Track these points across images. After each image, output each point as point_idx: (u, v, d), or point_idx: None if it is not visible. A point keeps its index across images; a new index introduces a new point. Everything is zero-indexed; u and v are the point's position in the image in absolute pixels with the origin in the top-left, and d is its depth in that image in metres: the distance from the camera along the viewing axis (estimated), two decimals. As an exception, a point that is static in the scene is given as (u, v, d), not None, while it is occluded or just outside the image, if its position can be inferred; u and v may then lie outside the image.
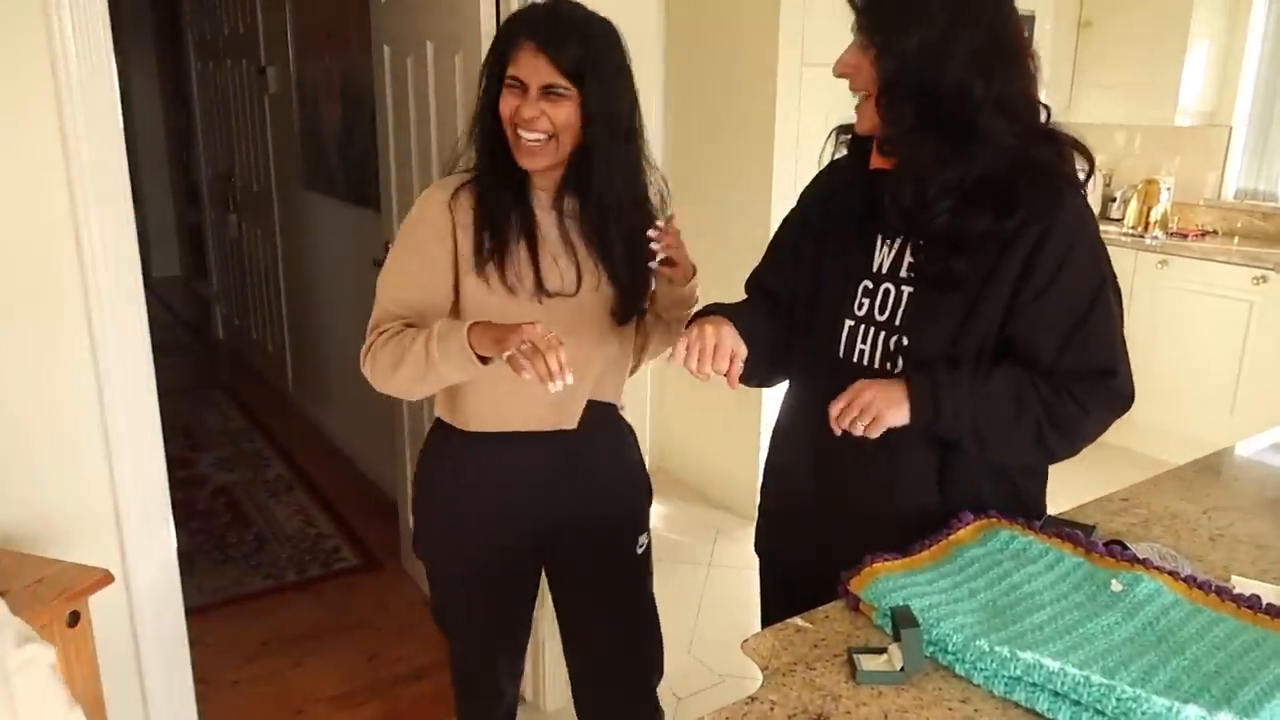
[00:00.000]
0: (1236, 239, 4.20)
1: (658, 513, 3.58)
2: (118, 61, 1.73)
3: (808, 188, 1.52)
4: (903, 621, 1.02)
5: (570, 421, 1.57)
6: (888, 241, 1.33)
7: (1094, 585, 1.16)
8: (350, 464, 4.00)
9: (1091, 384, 1.25)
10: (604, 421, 1.63)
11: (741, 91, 3.32)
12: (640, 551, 1.71)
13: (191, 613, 2.06)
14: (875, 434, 1.23)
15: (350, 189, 3.65)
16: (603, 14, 1.47)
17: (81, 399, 1.77)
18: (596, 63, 1.41)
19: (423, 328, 1.44)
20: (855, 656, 1.04)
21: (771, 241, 1.54)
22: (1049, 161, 1.25)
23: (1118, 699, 0.91)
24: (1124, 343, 1.28)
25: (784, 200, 3.25)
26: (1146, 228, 4.27)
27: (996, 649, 1.00)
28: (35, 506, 1.74)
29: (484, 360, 1.36)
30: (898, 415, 1.23)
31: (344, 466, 3.99)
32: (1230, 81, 4.22)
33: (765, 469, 1.59)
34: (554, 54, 1.38)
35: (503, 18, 2.08)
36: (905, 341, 1.29)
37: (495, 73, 1.44)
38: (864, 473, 1.35)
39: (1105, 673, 0.96)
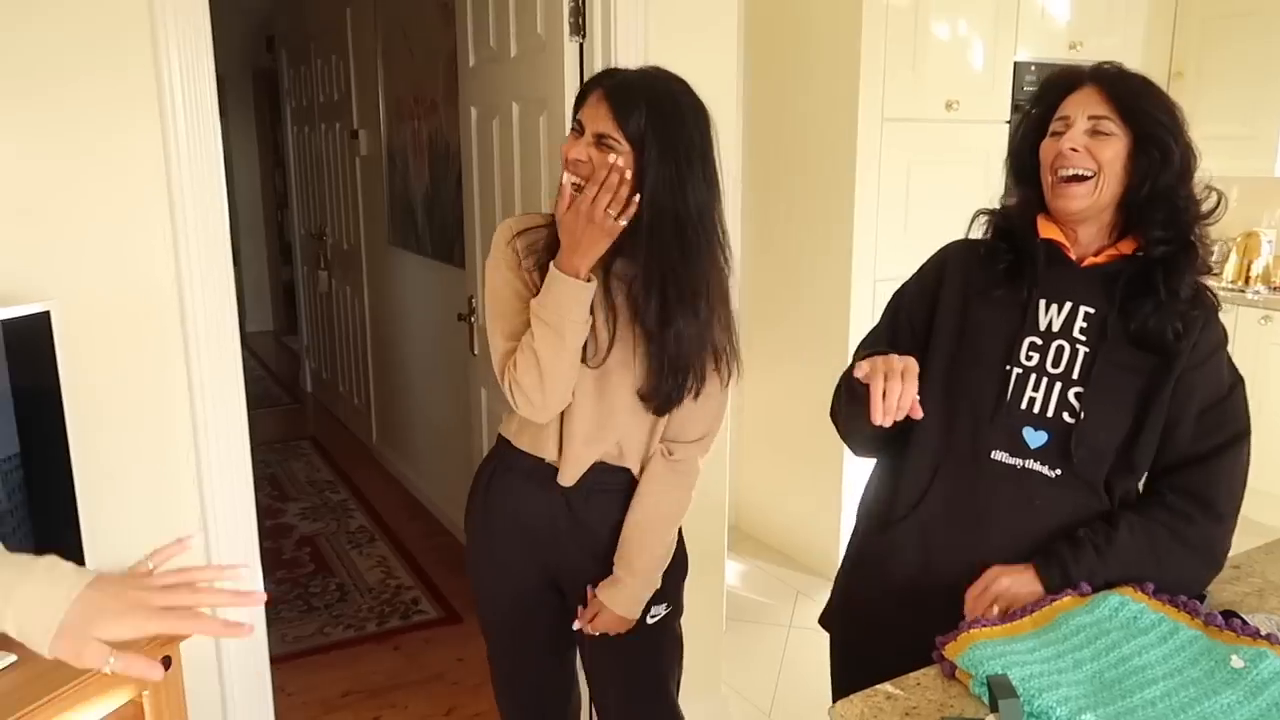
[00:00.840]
0: (1345, 294, 4.00)
1: (734, 572, 3.53)
2: (222, 129, 1.83)
3: (934, 264, 1.49)
4: (1000, 691, 0.97)
5: (568, 479, 1.56)
6: (1054, 304, 1.35)
7: (1212, 661, 1.09)
8: (431, 516, 4.05)
9: (1231, 452, 1.31)
10: (610, 484, 1.59)
11: (822, 146, 3.32)
12: (651, 621, 1.63)
13: (274, 661, 2.08)
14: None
15: (435, 245, 3.75)
16: (687, 77, 1.47)
17: (178, 444, 1.83)
18: (662, 131, 1.39)
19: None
20: None
21: (891, 314, 1.52)
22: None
23: (1242, 784, 0.85)
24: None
25: (864, 255, 3.23)
26: (1248, 282, 4.10)
27: (1105, 725, 0.95)
28: (131, 550, 1.79)
29: (585, 277, 1.42)
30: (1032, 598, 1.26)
31: (425, 519, 4.04)
32: (1267, 143, 4.06)
33: (859, 550, 1.55)
34: (616, 105, 1.39)
35: (586, 77, 2.13)
36: (1088, 393, 1.31)
37: (574, 116, 1.46)
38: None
39: (1226, 755, 0.90)
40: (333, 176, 5.08)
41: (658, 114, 1.40)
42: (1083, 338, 1.33)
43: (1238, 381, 1.35)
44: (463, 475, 3.37)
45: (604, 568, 1.60)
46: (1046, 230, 1.36)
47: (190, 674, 1.60)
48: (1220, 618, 1.17)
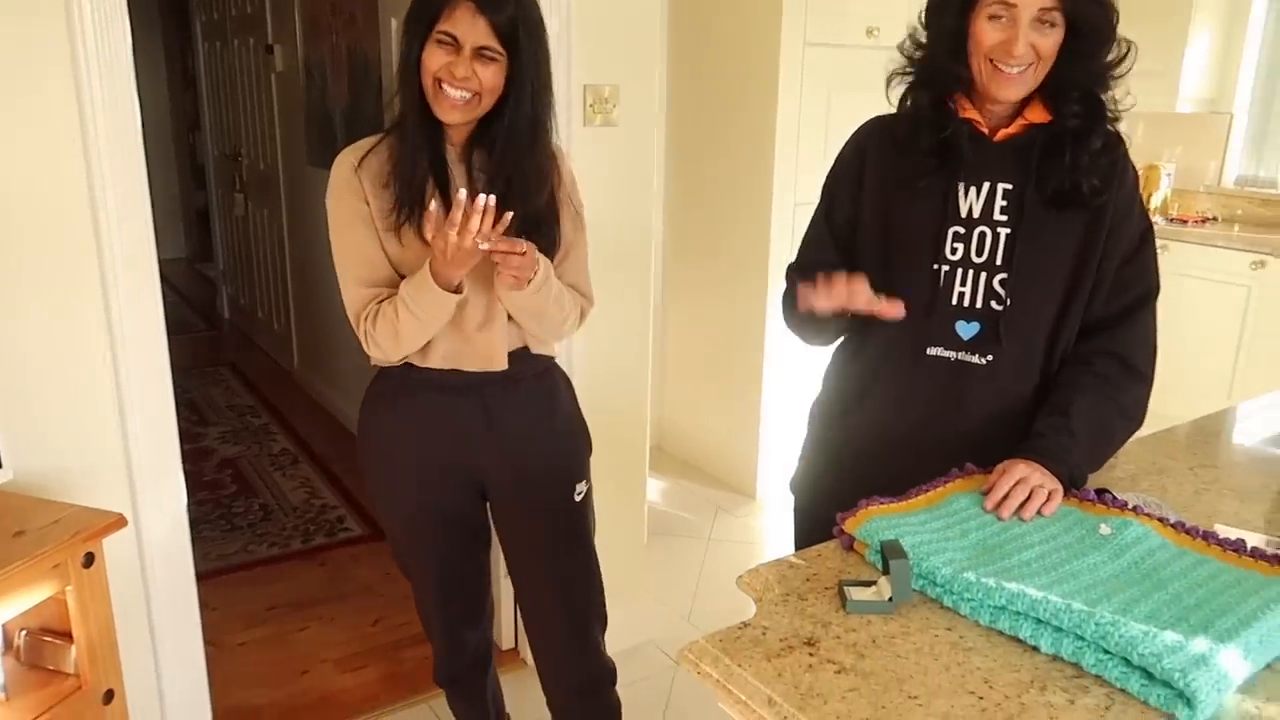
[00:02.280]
0: (1237, 226, 4.23)
1: (657, 489, 3.63)
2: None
3: (854, 145, 1.53)
4: (891, 553, 1.05)
5: (499, 363, 1.60)
6: (972, 187, 1.40)
7: (1083, 529, 1.19)
8: (353, 438, 4.03)
9: (1142, 313, 1.41)
10: (529, 372, 1.66)
11: (745, 71, 3.35)
12: (578, 499, 1.74)
13: (199, 578, 2.09)
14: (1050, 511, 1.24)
15: (357, 165, 3.68)
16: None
17: (96, 354, 1.81)
18: (528, 26, 1.45)
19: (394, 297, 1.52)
20: (845, 588, 1.07)
21: (823, 208, 1.55)
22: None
23: (1096, 624, 0.95)
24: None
25: (785, 180, 3.29)
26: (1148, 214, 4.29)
27: (983, 580, 1.04)
28: (51, 457, 1.78)
29: (456, 290, 1.47)
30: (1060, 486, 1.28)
31: (348, 441, 4.02)
32: (1231, 70, 4.24)
33: (819, 439, 1.62)
34: (493, 17, 1.41)
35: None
36: (1010, 278, 1.38)
37: (424, 25, 1.44)
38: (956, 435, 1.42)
39: (1087, 604, 1.00)
40: (247, 95, 4.91)
41: (526, 20, 1.45)
42: (1004, 218, 1.38)
43: (1148, 229, 1.42)
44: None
45: (524, 453, 1.66)
46: (966, 109, 1.39)
47: (115, 576, 1.60)
48: (1094, 494, 1.28)
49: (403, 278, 1.53)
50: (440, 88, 1.45)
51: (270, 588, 2.88)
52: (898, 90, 1.46)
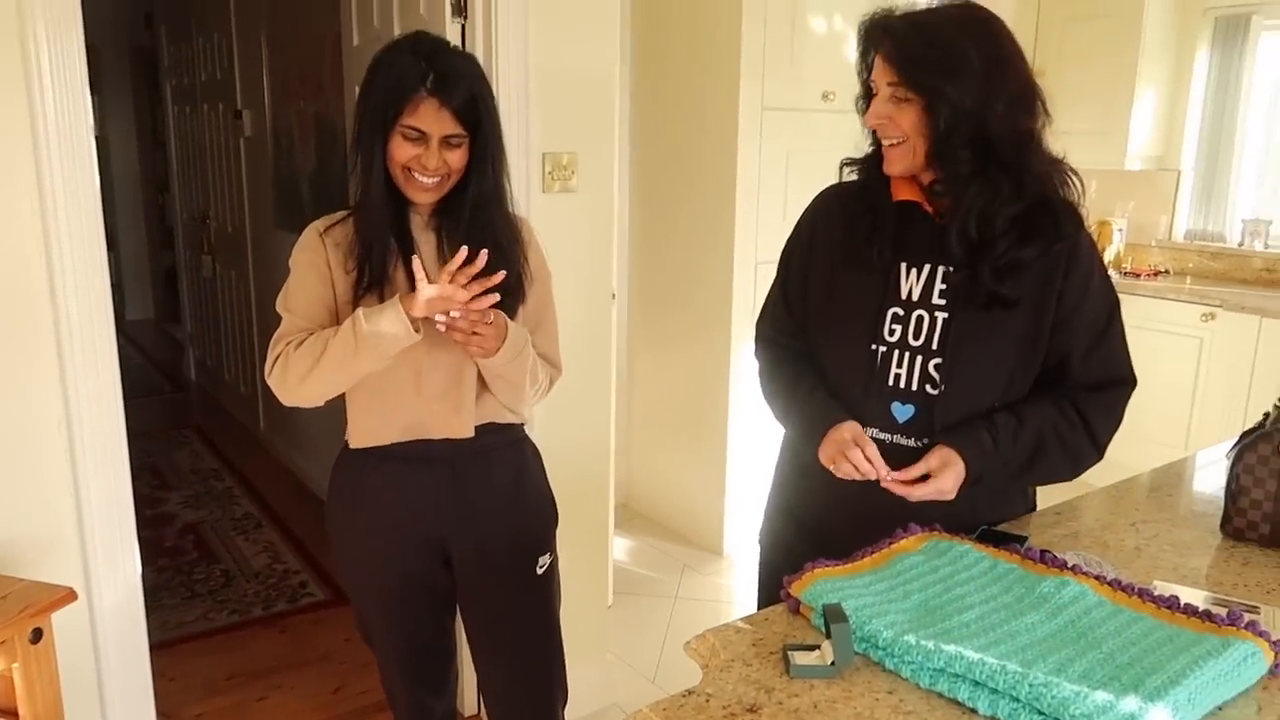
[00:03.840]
0: (1188, 278, 4.34)
1: (624, 548, 3.62)
2: (96, 107, 1.81)
3: (808, 217, 1.57)
4: (833, 617, 1.07)
5: (465, 430, 1.60)
6: (914, 269, 1.41)
7: (1023, 588, 1.21)
8: (319, 502, 4.00)
9: (1113, 393, 1.45)
10: (500, 443, 1.68)
11: (705, 135, 3.43)
12: (540, 572, 1.74)
13: (157, 648, 2.07)
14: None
15: (323, 228, 3.71)
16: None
17: (49, 424, 1.80)
18: (484, 102, 1.51)
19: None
20: (789, 653, 1.08)
21: (780, 277, 1.59)
22: (1062, 189, 1.38)
23: (1030, 685, 0.97)
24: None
25: (746, 240, 3.35)
26: (1101, 268, 4.40)
27: (922, 642, 1.05)
28: (1, 531, 1.76)
29: (415, 327, 1.46)
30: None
31: (313, 504, 3.99)
32: (1177, 127, 4.39)
33: (779, 504, 1.64)
34: (455, 107, 1.46)
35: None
36: (945, 364, 1.39)
37: (387, 119, 1.46)
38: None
39: (1024, 664, 1.01)
40: (216, 158, 4.95)
41: (482, 96, 1.50)
42: (941, 302, 1.39)
43: (1113, 308, 1.43)
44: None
45: (491, 526, 1.67)
46: (902, 191, 1.42)
47: (64, 650, 1.58)
48: (1036, 553, 1.30)
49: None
50: (410, 174, 1.50)
51: (230, 655, 2.83)
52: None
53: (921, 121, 1.32)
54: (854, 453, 1.35)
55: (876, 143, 1.43)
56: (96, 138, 1.82)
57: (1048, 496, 1.58)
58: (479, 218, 1.55)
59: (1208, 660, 1.03)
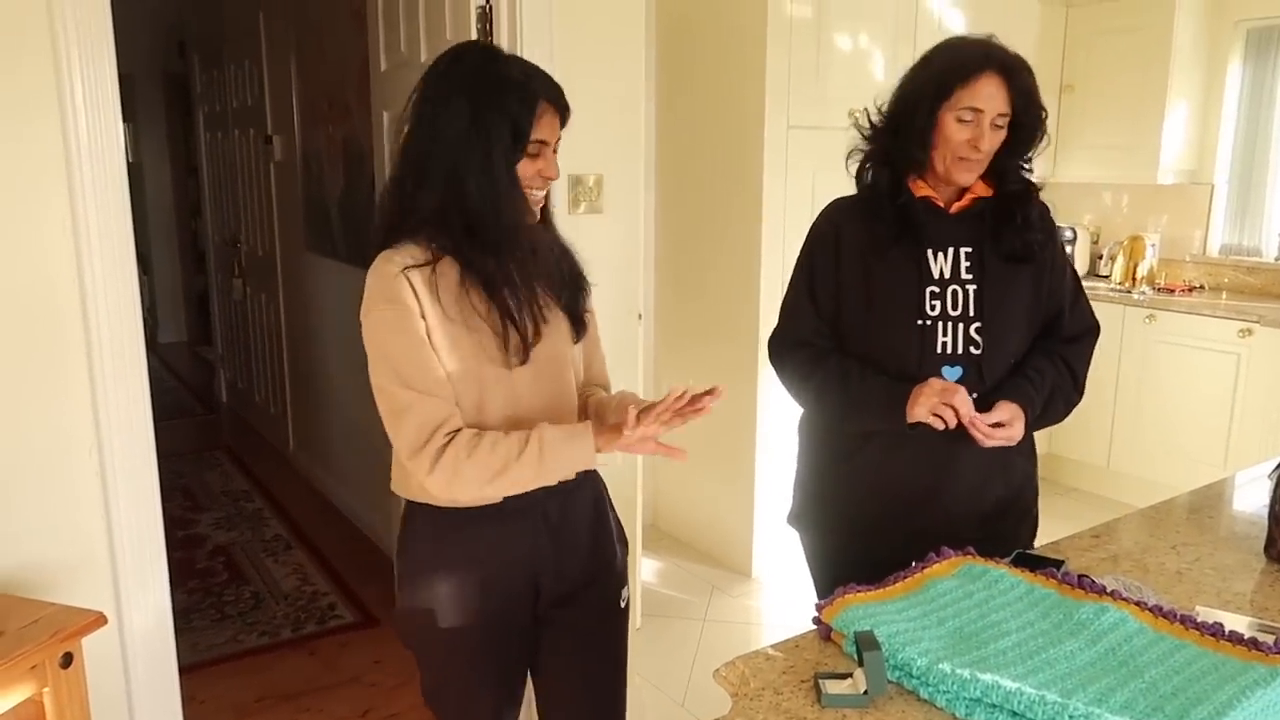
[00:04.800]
0: (1224, 294, 4.26)
1: (652, 569, 3.59)
2: (130, 134, 1.84)
3: (826, 219, 1.73)
4: (865, 645, 1.05)
5: (571, 474, 1.49)
6: (939, 253, 1.63)
7: (1061, 614, 1.18)
8: (348, 523, 4.02)
9: (1086, 341, 1.72)
10: (583, 477, 1.55)
11: (731, 154, 3.43)
12: (624, 605, 1.66)
13: (187, 670, 2.07)
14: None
15: (350, 251, 3.74)
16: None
17: (80, 447, 1.82)
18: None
19: (493, 429, 1.41)
20: (820, 681, 1.06)
21: (803, 280, 1.72)
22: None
23: (1070, 716, 0.94)
24: None
25: (773, 256, 3.34)
26: (1134, 283, 4.34)
27: (958, 671, 1.03)
28: (32, 554, 1.78)
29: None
30: None
31: (342, 525, 4.01)
32: (1210, 141, 4.32)
33: (814, 482, 1.81)
34: (564, 113, 1.46)
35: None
36: (985, 327, 1.61)
37: (518, 138, 1.38)
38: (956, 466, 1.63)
39: (1063, 694, 0.99)
40: (247, 183, 5.02)
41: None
42: (969, 276, 1.62)
43: (1074, 272, 1.75)
44: (381, 481, 3.36)
45: (581, 563, 1.56)
46: (921, 189, 1.63)
47: (94, 674, 1.59)
48: (1075, 578, 1.27)
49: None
50: (529, 192, 1.44)
51: (259, 678, 2.83)
52: (855, 162, 1.71)
53: (1001, 141, 1.59)
54: (958, 398, 1.53)
55: (912, 152, 1.62)
56: (131, 164, 1.84)
57: (1083, 520, 1.57)
58: (553, 235, 1.53)
59: (1255, 690, 0.99)
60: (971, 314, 1.62)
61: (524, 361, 1.44)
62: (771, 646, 1.17)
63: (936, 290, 1.62)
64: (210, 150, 5.72)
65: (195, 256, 7.13)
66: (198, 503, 4.28)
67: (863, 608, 1.18)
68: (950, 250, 1.63)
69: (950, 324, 1.62)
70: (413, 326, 1.39)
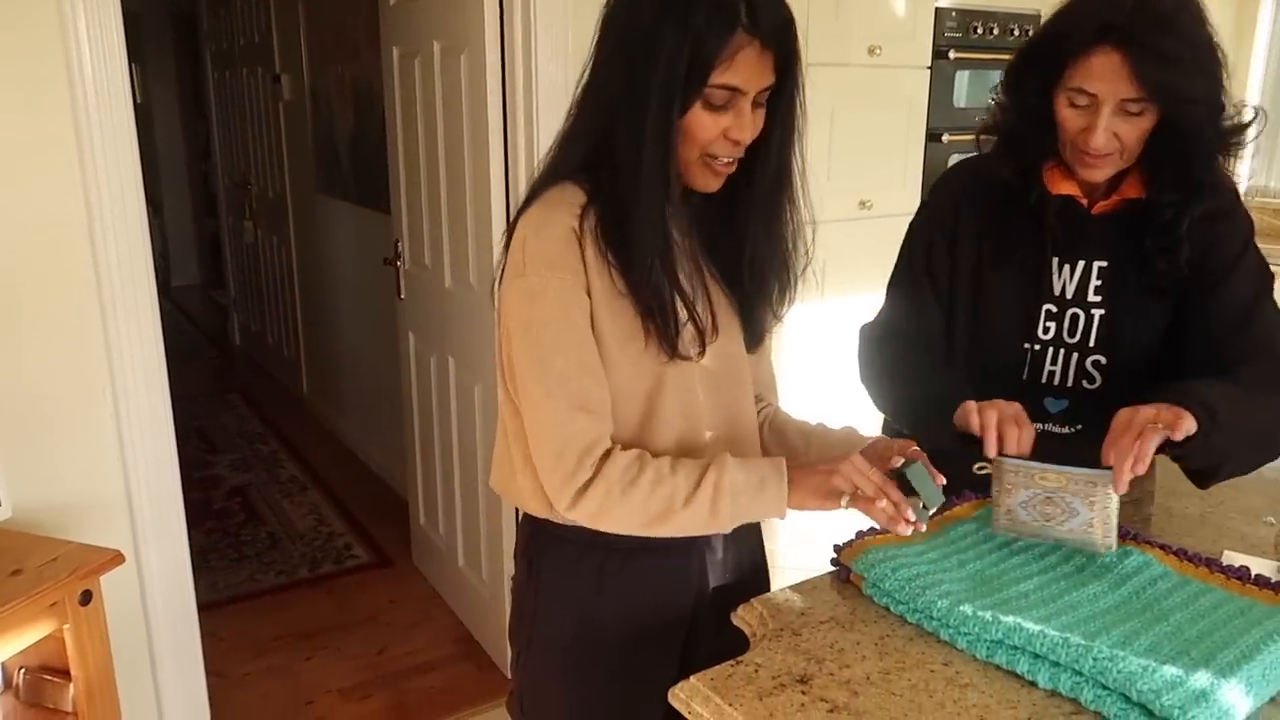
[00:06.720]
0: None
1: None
2: (138, 74, 1.79)
3: (948, 198, 1.44)
4: (903, 475, 1.08)
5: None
6: (1066, 265, 1.36)
7: (1084, 557, 1.17)
8: (362, 465, 4.05)
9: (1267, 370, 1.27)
10: None
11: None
12: None
13: (205, 608, 2.09)
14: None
15: (361, 191, 3.70)
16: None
17: (95, 390, 1.81)
18: (797, 69, 1.12)
19: (658, 456, 1.10)
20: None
21: (920, 252, 1.44)
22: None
23: (1094, 659, 0.93)
24: None
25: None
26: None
27: (979, 613, 1.02)
28: (50, 494, 1.79)
29: None
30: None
31: (356, 467, 4.04)
32: (1240, 79, 4.20)
33: None
34: (785, 57, 1.07)
35: (506, 15, 2.12)
36: (1104, 360, 1.36)
37: (693, 79, 1.02)
38: None
39: (1087, 637, 0.97)
40: (256, 123, 4.95)
41: (796, 48, 1.11)
42: (1098, 299, 1.35)
43: (1260, 291, 1.31)
44: (393, 424, 3.38)
45: (738, 599, 1.18)
46: (1059, 184, 1.33)
47: (114, 612, 1.60)
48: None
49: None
50: (709, 157, 1.08)
51: (276, 617, 2.87)
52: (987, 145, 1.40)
53: (1151, 127, 1.22)
54: (1014, 430, 1.16)
55: (1035, 139, 1.30)
56: (139, 106, 1.80)
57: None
58: (768, 209, 1.14)
59: (1283, 634, 0.98)
60: (1092, 344, 1.36)
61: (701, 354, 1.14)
62: (789, 588, 1.16)
63: (1053, 309, 1.37)
64: (219, 90, 5.65)
65: (207, 199, 7.09)
66: (214, 444, 4.31)
67: (883, 550, 1.17)
68: (1081, 264, 1.35)
69: (1064, 351, 1.38)
70: (578, 303, 1.07)
